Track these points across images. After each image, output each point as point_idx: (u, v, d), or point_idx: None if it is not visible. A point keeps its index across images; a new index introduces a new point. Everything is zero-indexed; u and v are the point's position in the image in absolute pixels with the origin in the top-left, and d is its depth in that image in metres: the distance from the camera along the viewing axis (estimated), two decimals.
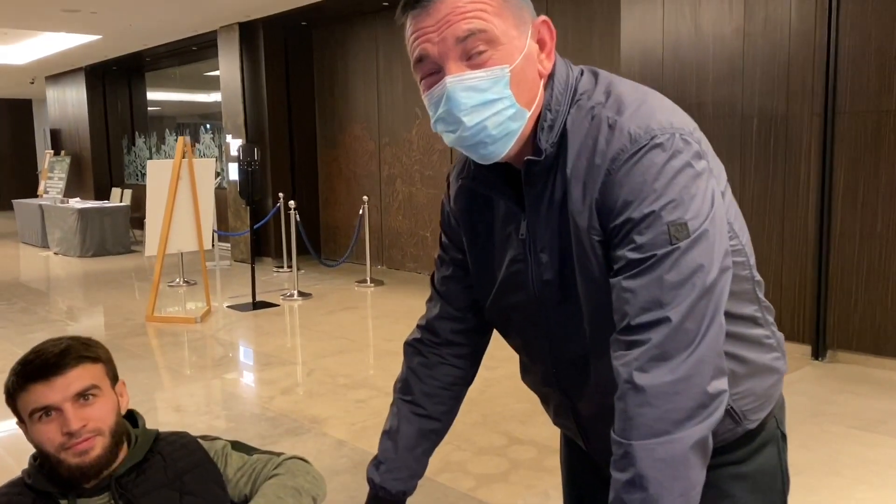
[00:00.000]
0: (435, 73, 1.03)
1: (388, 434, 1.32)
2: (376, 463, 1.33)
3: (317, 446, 3.59)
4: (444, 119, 1.03)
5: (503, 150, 1.04)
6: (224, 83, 9.54)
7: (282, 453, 1.56)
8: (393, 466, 1.31)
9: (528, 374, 1.32)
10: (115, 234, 10.83)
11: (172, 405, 4.25)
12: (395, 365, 5.11)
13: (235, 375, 4.94)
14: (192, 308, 6.95)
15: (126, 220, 11.10)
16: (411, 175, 8.26)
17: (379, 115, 8.60)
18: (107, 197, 12.67)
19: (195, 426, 3.87)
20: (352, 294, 7.42)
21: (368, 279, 7.74)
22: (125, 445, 1.39)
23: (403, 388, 1.34)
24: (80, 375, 1.32)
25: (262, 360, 5.18)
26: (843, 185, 4.56)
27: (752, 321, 1.15)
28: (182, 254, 7.57)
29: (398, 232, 8.50)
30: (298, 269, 7.46)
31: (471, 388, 4.06)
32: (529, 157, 1.06)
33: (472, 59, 1.00)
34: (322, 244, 9.46)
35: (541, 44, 1.06)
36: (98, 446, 1.31)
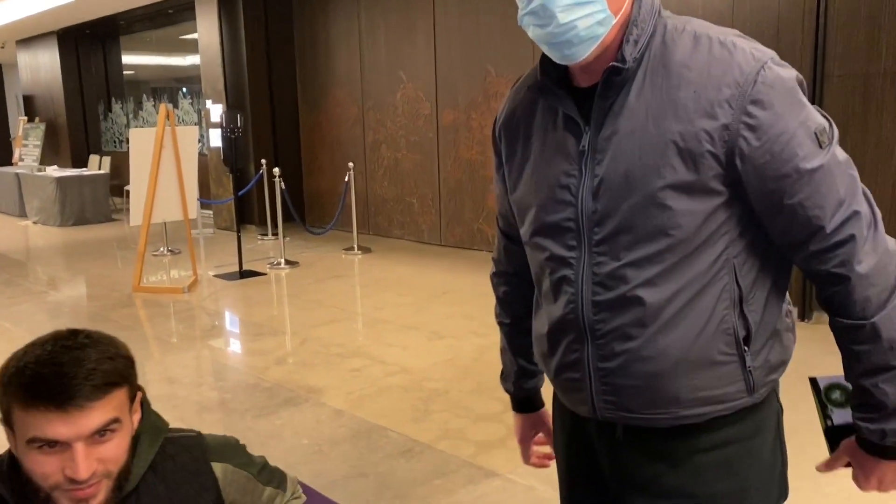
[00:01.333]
0: None
1: (503, 352, 1.53)
2: (503, 376, 1.55)
3: (315, 416, 3.61)
4: (536, 13, 1.07)
5: (585, 52, 1.09)
6: (203, 47, 9.35)
7: (283, 487, 1.41)
8: (510, 371, 1.52)
9: (544, 315, 1.27)
10: (95, 203, 10.68)
11: (165, 377, 4.24)
12: (387, 334, 5.19)
13: (227, 346, 4.94)
14: (178, 278, 6.90)
15: (106, 189, 10.94)
16: (396, 140, 8.19)
17: (362, 79, 8.49)
18: (84, 164, 12.46)
19: (190, 398, 3.87)
20: (339, 262, 7.40)
21: (356, 247, 7.72)
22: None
23: (500, 313, 1.50)
24: (104, 409, 1.07)
25: (252, 330, 5.18)
26: None
27: (784, 289, 1.21)
28: (166, 223, 7.49)
29: (384, 199, 8.46)
30: (284, 237, 7.42)
31: (464, 356, 4.15)
32: (614, 64, 1.09)
33: None
34: (306, 211, 9.39)
35: None
36: (102, 492, 1.09)
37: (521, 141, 1.26)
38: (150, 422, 1.23)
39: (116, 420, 1.09)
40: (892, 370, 1.11)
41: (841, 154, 1.10)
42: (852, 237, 1.08)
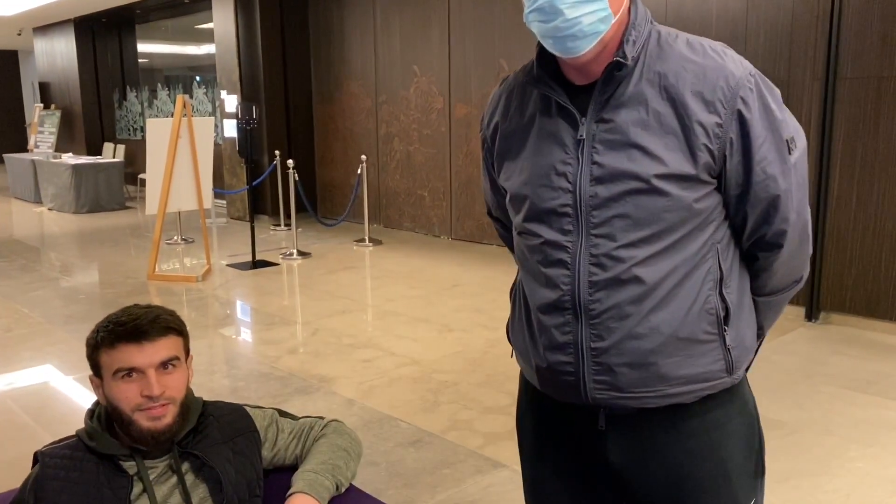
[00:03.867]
0: None
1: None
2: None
3: (327, 405, 3.68)
4: (542, 9, 1.16)
5: (588, 46, 1.17)
6: (218, 38, 9.42)
7: (322, 417, 1.63)
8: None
9: (529, 299, 1.33)
10: (110, 191, 10.79)
11: None
12: (397, 325, 5.24)
13: (239, 335, 5.02)
14: (191, 266, 6.99)
15: (120, 176, 11.05)
16: (409, 134, 8.24)
17: (376, 72, 8.54)
18: (99, 152, 12.57)
19: (204, 386, 3.95)
20: (351, 253, 7.47)
21: (367, 238, 7.79)
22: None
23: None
24: (167, 345, 1.40)
25: (265, 320, 5.26)
26: (841, 149, 4.62)
27: (748, 274, 1.33)
28: (180, 212, 7.58)
29: (396, 191, 8.52)
30: (297, 228, 7.49)
31: (474, 349, 4.22)
32: (617, 59, 1.19)
33: None
34: (319, 203, 9.47)
35: None
36: (169, 414, 1.39)
37: (515, 134, 1.33)
38: (192, 395, 1.52)
39: (177, 358, 1.42)
40: None
41: (801, 164, 1.25)
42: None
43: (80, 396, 3.85)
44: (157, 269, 6.45)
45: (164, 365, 1.39)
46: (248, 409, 1.57)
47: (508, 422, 3.43)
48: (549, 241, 1.25)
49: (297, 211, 7.54)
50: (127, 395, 1.37)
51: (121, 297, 5.86)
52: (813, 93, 4.68)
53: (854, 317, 4.64)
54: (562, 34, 1.16)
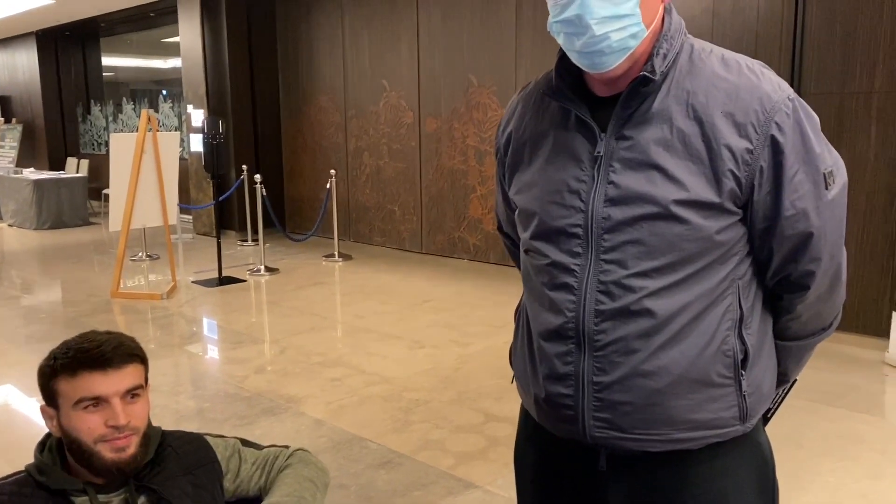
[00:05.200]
0: None
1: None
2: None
3: (295, 426, 3.61)
4: (570, 22, 1.07)
5: (616, 62, 1.09)
6: (185, 52, 9.30)
7: (287, 446, 1.58)
8: None
9: (532, 322, 1.24)
10: (73, 206, 10.57)
11: None
12: (367, 342, 5.14)
13: (205, 354, 4.91)
14: (156, 283, 6.85)
15: (84, 192, 10.83)
16: (378, 148, 8.20)
17: (345, 87, 8.49)
18: (62, 167, 12.33)
19: (169, 407, 3.85)
20: (319, 269, 7.39)
21: (336, 253, 7.71)
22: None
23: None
24: (132, 373, 1.35)
25: (232, 338, 5.16)
26: None
27: (772, 317, 1.23)
28: (145, 228, 7.44)
29: (366, 206, 8.46)
30: (264, 243, 7.39)
31: (445, 366, 4.15)
32: (644, 74, 1.10)
33: None
34: (287, 218, 9.37)
35: None
36: (133, 445, 1.34)
37: (528, 145, 1.24)
38: (151, 425, 1.45)
39: (140, 386, 1.37)
40: None
41: (840, 201, 1.15)
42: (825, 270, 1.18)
43: (41, 420, 3.72)
44: (121, 287, 6.31)
45: (129, 393, 1.34)
46: (209, 438, 1.51)
47: (480, 441, 3.38)
48: (556, 262, 1.17)
49: (265, 226, 7.44)
50: (90, 425, 1.30)
51: (83, 315, 5.71)
52: None
53: None
54: (589, 49, 1.08)
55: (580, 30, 1.07)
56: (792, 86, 4.62)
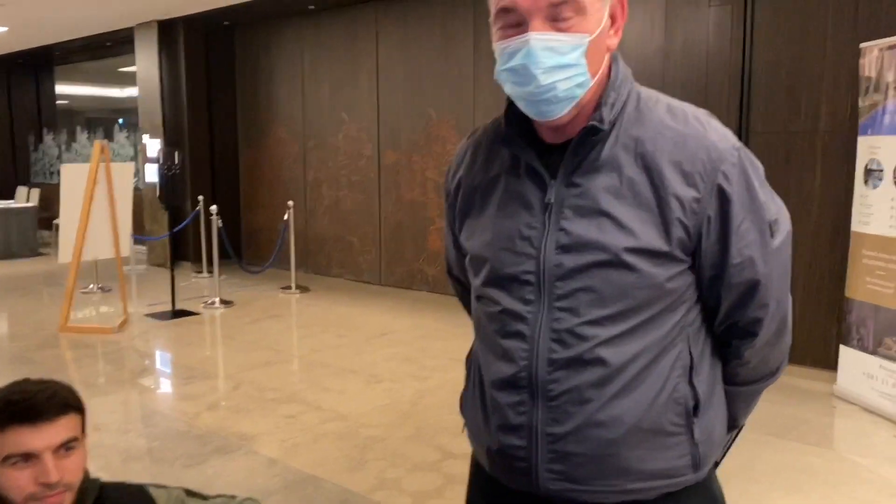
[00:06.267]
0: (516, 25, 1.07)
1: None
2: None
3: (247, 465, 3.53)
4: (516, 71, 1.08)
5: (562, 111, 1.09)
6: (141, 82, 9.21)
7: (234, 496, 1.54)
8: None
9: (484, 371, 1.23)
10: (22, 237, 10.31)
11: (91, 424, 4.07)
12: (324, 377, 5.06)
13: (157, 390, 4.80)
14: (107, 317, 6.69)
15: (34, 222, 10.58)
16: (338, 179, 8.19)
17: (304, 118, 8.49)
18: (11, 196, 12.04)
19: (117, 447, 3.74)
20: (276, 301, 7.30)
21: (293, 285, 7.64)
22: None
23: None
24: (66, 425, 1.29)
25: (184, 373, 5.05)
26: None
27: (720, 363, 1.24)
28: (97, 260, 7.28)
29: (324, 237, 8.41)
30: (220, 275, 7.29)
31: (403, 401, 4.10)
32: (594, 124, 1.10)
33: (556, 21, 1.06)
34: (244, 249, 9.27)
35: (612, 19, 1.13)
36: (66, 502, 1.28)
37: (479, 191, 1.24)
38: (88, 476, 1.41)
39: (75, 438, 1.31)
40: None
41: (785, 249, 1.17)
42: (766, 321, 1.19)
43: None
44: (70, 320, 6.15)
45: (63, 447, 1.28)
46: (151, 489, 1.46)
47: (437, 479, 3.35)
48: (508, 309, 1.15)
49: (222, 257, 7.34)
50: (19, 483, 1.24)
51: (30, 350, 5.54)
52: None
53: None
54: (535, 99, 1.08)
55: (526, 79, 1.07)
56: (740, 125, 4.77)
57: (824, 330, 4.62)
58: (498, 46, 1.11)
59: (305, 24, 8.26)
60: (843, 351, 4.35)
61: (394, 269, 7.74)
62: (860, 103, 4.25)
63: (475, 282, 1.24)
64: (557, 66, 1.06)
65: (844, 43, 4.42)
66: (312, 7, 7.91)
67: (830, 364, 4.50)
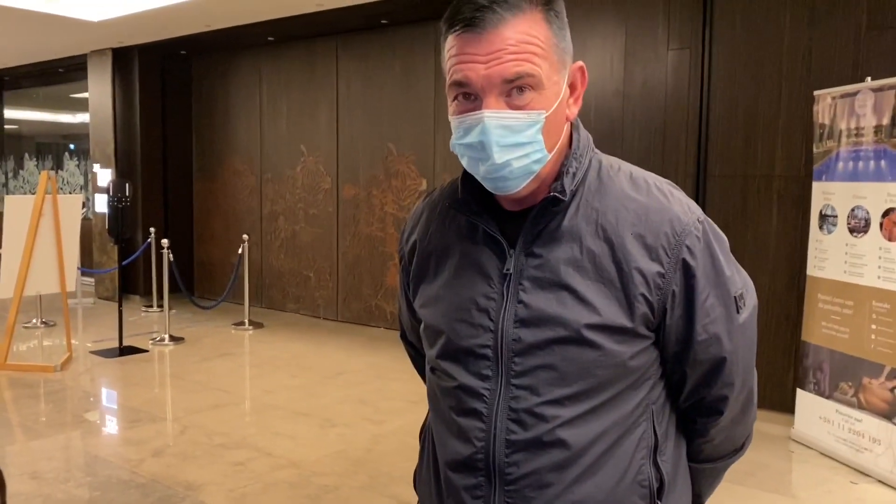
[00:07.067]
0: (471, 98, 1.03)
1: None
2: None
3: None
4: (472, 146, 1.03)
5: (519, 185, 1.05)
6: (93, 110, 9.00)
7: None
8: None
9: (439, 451, 1.16)
10: None
11: (28, 471, 3.87)
12: (275, 421, 4.90)
13: (99, 434, 4.57)
14: (50, 353, 6.42)
15: None
16: (295, 213, 8.06)
17: (261, 150, 8.36)
18: None
19: (53, 497, 3.54)
20: (228, 337, 7.10)
21: (247, 321, 7.45)
22: None
23: None
24: None
25: (129, 416, 4.83)
26: None
27: (684, 441, 1.20)
28: (40, 294, 7.00)
29: (280, 271, 8.25)
30: (170, 310, 7.07)
31: (357, 447, 3.94)
32: (555, 195, 1.06)
33: (512, 97, 1.01)
34: (196, 282, 9.04)
35: (572, 88, 1.09)
36: None
37: (434, 256, 1.18)
38: None
39: None
40: None
41: (750, 324, 1.13)
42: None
43: None
44: (10, 357, 5.87)
45: None
46: None
47: None
48: (464, 385, 1.09)
49: (172, 291, 7.13)
50: None
51: None
52: (686, 189, 4.88)
53: None
54: (491, 175, 1.03)
55: (482, 155, 1.02)
56: (697, 168, 4.81)
57: (781, 373, 4.64)
58: (453, 120, 1.06)
59: (264, 54, 8.18)
60: (800, 395, 4.36)
61: (351, 305, 7.61)
62: (815, 149, 4.32)
63: (429, 353, 1.17)
64: (513, 145, 1.01)
65: (799, 89, 4.50)
66: (272, 39, 7.84)
67: (787, 407, 4.51)
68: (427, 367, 1.21)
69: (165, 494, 3.60)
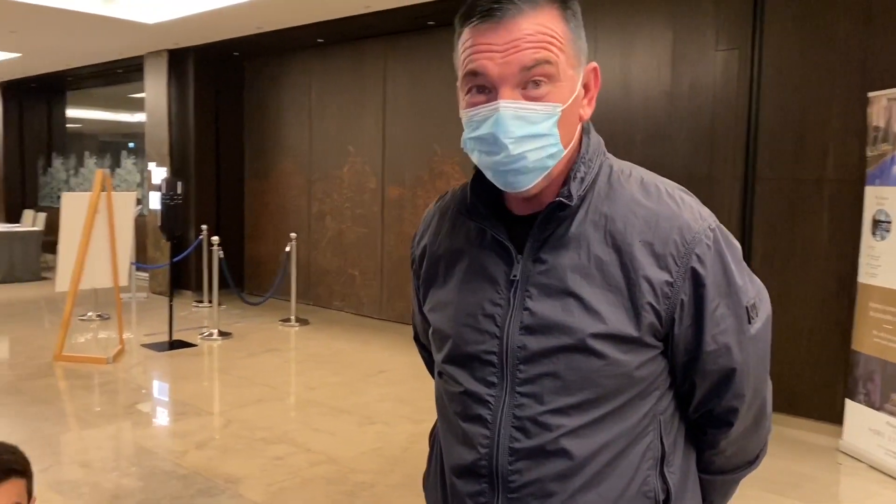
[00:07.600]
0: (485, 91, 1.01)
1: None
2: None
3: None
4: (484, 139, 1.01)
5: (531, 182, 1.03)
6: (149, 110, 9.26)
7: None
8: None
9: (445, 456, 1.16)
10: (26, 260, 10.31)
11: (78, 460, 4.00)
12: (316, 417, 4.97)
13: (146, 425, 4.71)
14: (104, 346, 6.63)
15: (38, 246, 10.58)
16: (342, 212, 8.16)
17: (310, 151, 8.49)
18: (17, 219, 12.08)
19: (102, 485, 3.66)
20: (275, 334, 7.22)
21: (293, 318, 7.56)
22: None
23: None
24: (8, 492, 1.25)
25: (176, 409, 4.96)
26: (761, 248, 4.71)
27: (695, 453, 1.18)
28: (95, 288, 7.24)
29: (326, 269, 8.36)
30: (219, 306, 7.23)
31: (395, 445, 3.95)
32: (561, 199, 1.04)
33: (527, 89, 1.00)
34: (245, 279, 9.22)
35: (585, 89, 1.07)
36: None
37: (443, 261, 1.17)
38: None
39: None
40: None
41: (763, 335, 1.10)
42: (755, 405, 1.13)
43: None
44: (67, 348, 6.09)
45: None
46: None
47: None
48: (470, 391, 1.08)
49: (222, 287, 7.29)
50: None
51: (22, 379, 5.48)
52: (734, 192, 4.79)
53: (777, 414, 4.63)
54: (504, 168, 1.01)
55: (495, 148, 1.00)
56: (746, 171, 4.71)
57: (830, 382, 4.50)
58: (465, 114, 1.04)
59: (314, 56, 8.30)
60: (849, 405, 4.23)
61: (395, 304, 7.66)
62: (868, 153, 4.18)
63: (437, 357, 1.17)
64: (528, 136, 0.99)
65: (852, 91, 4.36)
66: (321, 40, 7.94)
67: (836, 418, 4.37)
68: (435, 372, 1.21)
69: (206, 486, 3.68)
